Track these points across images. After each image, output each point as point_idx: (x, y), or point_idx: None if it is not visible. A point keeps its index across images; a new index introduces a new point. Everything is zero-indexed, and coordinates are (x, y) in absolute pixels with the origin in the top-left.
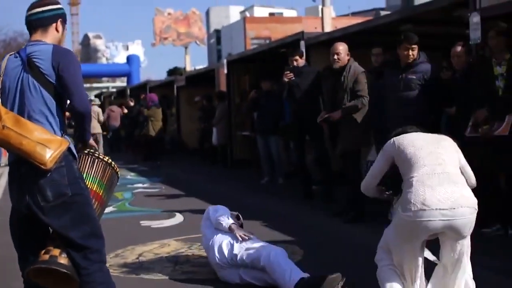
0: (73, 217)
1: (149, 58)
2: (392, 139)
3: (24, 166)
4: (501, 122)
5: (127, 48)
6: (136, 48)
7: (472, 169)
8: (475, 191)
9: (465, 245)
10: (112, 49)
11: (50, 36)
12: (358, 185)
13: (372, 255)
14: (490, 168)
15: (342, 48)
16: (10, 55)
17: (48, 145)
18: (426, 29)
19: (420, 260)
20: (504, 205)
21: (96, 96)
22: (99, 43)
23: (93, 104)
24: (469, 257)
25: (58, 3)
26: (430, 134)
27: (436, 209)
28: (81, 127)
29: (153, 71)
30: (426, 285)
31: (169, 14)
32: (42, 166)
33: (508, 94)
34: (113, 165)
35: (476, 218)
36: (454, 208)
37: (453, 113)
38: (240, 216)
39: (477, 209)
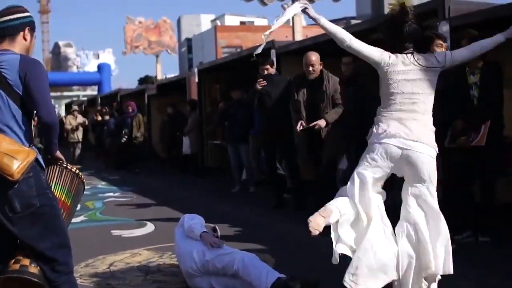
0: (42, 228)
1: (120, 67)
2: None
3: None
4: (477, 132)
5: (98, 56)
6: (107, 57)
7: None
8: (449, 198)
9: (428, 199)
10: (83, 57)
11: (18, 45)
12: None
13: (344, 264)
14: (468, 176)
15: (315, 58)
16: None
17: (15, 156)
18: None
19: (379, 198)
20: (476, 212)
21: (66, 105)
22: (70, 52)
23: (74, 111)
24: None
25: (26, 11)
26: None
27: (397, 137)
28: (48, 138)
29: (124, 79)
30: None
31: (140, 22)
32: (9, 177)
33: (482, 104)
34: (80, 176)
35: (450, 225)
36: (414, 141)
37: None
38: (217, 229)
39: (436, 151)
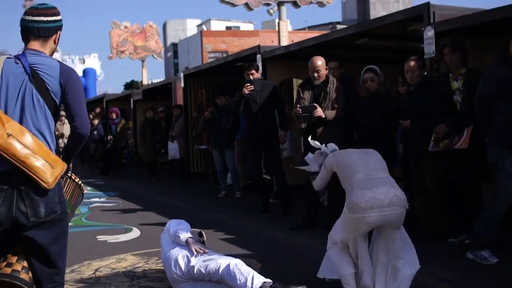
0: (57, 234)
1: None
2: (331, 154)
3: (16, 178)
4: (460, 136)
5: (83, 61)
6: (93, 62)
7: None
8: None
9: (397, 236)
10: (69, 62)
11: (49, 47)
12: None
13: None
14: (453, 180)
15: (321, 63)
16: (7, 57)
17: (54, 165)
18: (382, 43)
19: (364, 245)
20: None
21: None
22: (55, 56)
23: (61, 116)
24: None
25: (60, 13)
26: (360, 149)
27: (377, 207)
28: (75, 149)
29: (110, 84)
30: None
31: (125, 27)
32: (45, 185)
33: (465, 108)
34: (81, 187)
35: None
36: (390, 206)
37: (407, 126)
38: (203, 234)
39: (406, 206)
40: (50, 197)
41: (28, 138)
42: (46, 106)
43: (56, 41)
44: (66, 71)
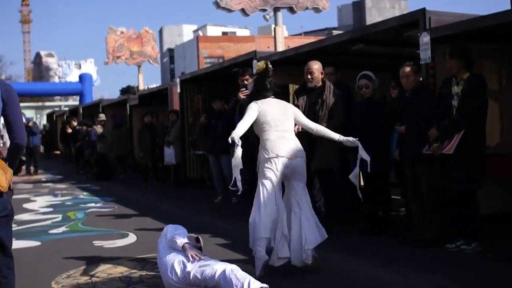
0: (9, 228)
1: (102, 77)
2: (256, 102)
3: None
4: (449, 141)
5: (79, 66)
6: (89, 67)
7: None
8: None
9: (301, 187)
10: (65, 67)
11: None
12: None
13: (328, 274)
14: (444, 184)
15: (315, 67)
16: None
17: (5, 171)
18: (378, 49)
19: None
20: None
21: (48, 115)
22: (52, 62)
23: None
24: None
25: None
26: (280, 104)
27: (283, 156)
28: (15, 157)
29: (106, 89)
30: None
31: (121, 32)
32: (1, 188)
33: (459, 114)
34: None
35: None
36: (293, 157)
37: (403, 131)
38: (200, 239)
39: (305, 158)
40: (4, 197)
41: None
42: None
43: None
44: (6, 87)
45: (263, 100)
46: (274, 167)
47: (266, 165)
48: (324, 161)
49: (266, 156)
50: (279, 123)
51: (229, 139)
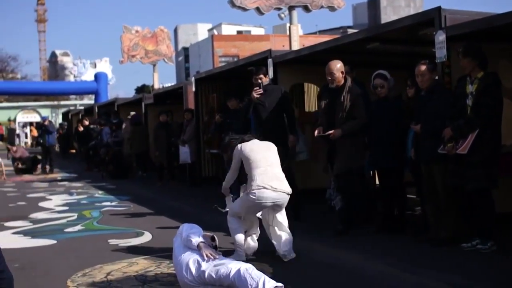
0: None
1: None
2: (239, 145)
3: None
4: (464, 140)
5: (95, 65)
6: (104, 66)
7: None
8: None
9: (283, 212)
10: (80, 66)
11: None
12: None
13: (344, 275)
14: (459, 183)
15: (335, 67)
16: None
17: None
18: (393, 47)
19: (257, 220)
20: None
21: (63, 114)
22: (67, 61)
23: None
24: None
25: None
26: (262, 142)
27: (269, 196)
28: None
29: (121, 88)
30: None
31: (136, 31)
32: None
33: (473, 113)
34: None
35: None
36: (279, 197)
37: (418, 131)
38: (216, 238)
39: (289, 193)
40: None
41: None
42: None
43: None
44: None
45: (246, 142)
46: (256, 197)
47: (250, 196)
48: (343, 164)
49: (252, 187)
50: (263, 159)
51: (222, 191)
